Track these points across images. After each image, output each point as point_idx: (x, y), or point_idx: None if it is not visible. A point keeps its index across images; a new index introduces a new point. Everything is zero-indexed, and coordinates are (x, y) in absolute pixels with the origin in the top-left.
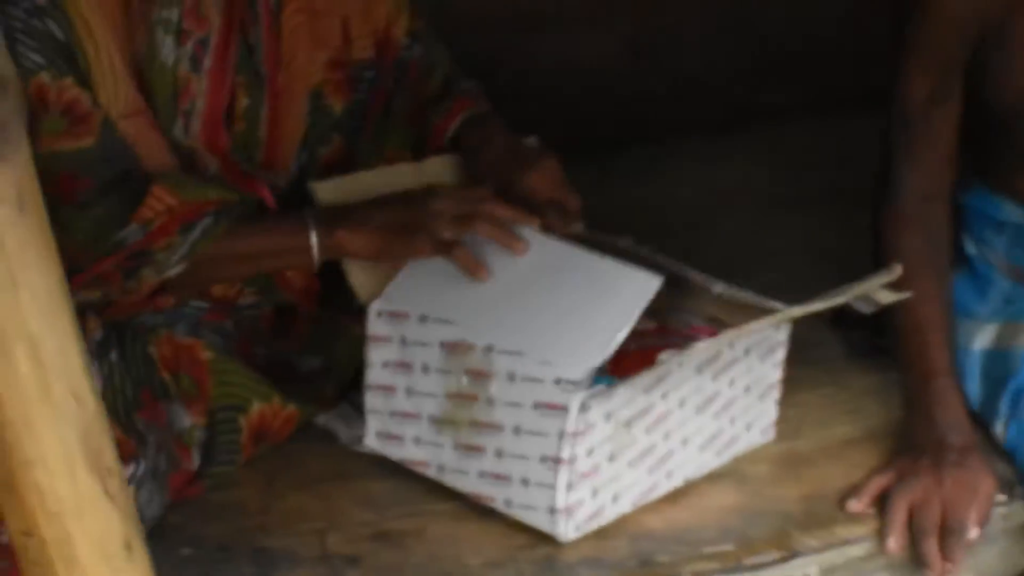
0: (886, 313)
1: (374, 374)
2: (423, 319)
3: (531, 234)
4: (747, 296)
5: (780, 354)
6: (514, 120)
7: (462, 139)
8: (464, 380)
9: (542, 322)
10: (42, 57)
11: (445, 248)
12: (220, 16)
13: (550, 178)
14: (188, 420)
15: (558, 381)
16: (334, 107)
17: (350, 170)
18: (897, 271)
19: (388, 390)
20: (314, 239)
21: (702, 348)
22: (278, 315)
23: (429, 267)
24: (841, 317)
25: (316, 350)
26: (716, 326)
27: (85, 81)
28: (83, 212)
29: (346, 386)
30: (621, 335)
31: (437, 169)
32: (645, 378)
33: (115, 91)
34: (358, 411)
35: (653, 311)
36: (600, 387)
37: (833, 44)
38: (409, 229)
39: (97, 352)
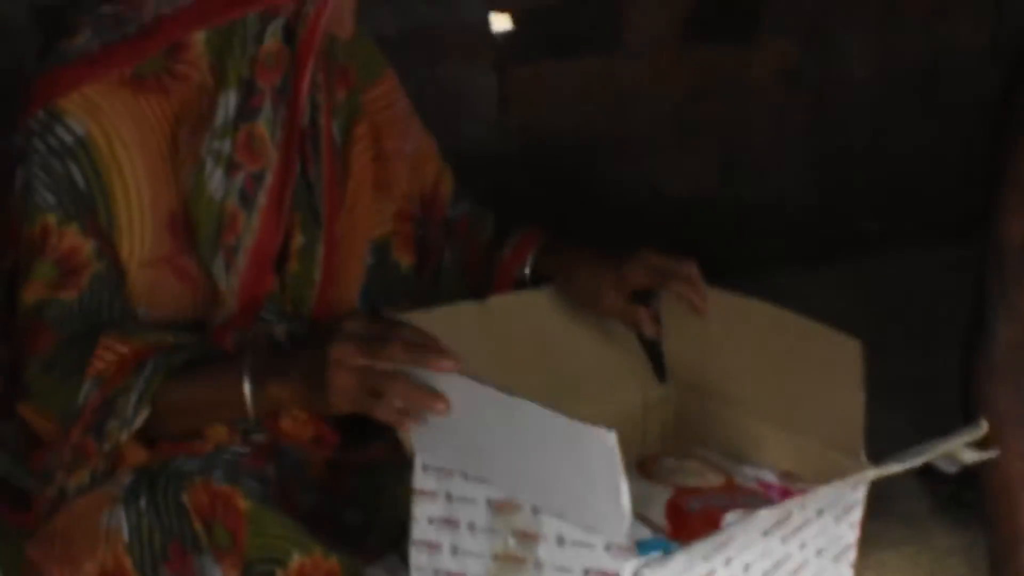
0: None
1: (419, 530)
2: (466, 476)
3: (456, 381)
4: (822, 449)
5: (856, 514)
6: (595, 246)
7: (546, 273)
8: (511, 541)
9: (564, 482)
10: (54, 197)
11: (370, 403)
12: (277, 152)
13: (652, 263)
14: (219, 574)
15: (608, 547)
16: (401, 263)
17: None
18: (983, 428)
19: (433, 547)
20: (247, 392)
21: (770, 513)
22: (327, 463)
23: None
24: (927, 467)
25: (362, 501)
26: (789, 482)
27: (99, 229)
28: (47, 370)
29: (393, 539)
30: (625, 503)
31: (505, 308)
32: (706, 544)
33: (141, 236)
34: (405, 563)
35: (719, 465)
36: (656, 554)
37: (928, 172)
38: (326, 376)
39: (125, 499)
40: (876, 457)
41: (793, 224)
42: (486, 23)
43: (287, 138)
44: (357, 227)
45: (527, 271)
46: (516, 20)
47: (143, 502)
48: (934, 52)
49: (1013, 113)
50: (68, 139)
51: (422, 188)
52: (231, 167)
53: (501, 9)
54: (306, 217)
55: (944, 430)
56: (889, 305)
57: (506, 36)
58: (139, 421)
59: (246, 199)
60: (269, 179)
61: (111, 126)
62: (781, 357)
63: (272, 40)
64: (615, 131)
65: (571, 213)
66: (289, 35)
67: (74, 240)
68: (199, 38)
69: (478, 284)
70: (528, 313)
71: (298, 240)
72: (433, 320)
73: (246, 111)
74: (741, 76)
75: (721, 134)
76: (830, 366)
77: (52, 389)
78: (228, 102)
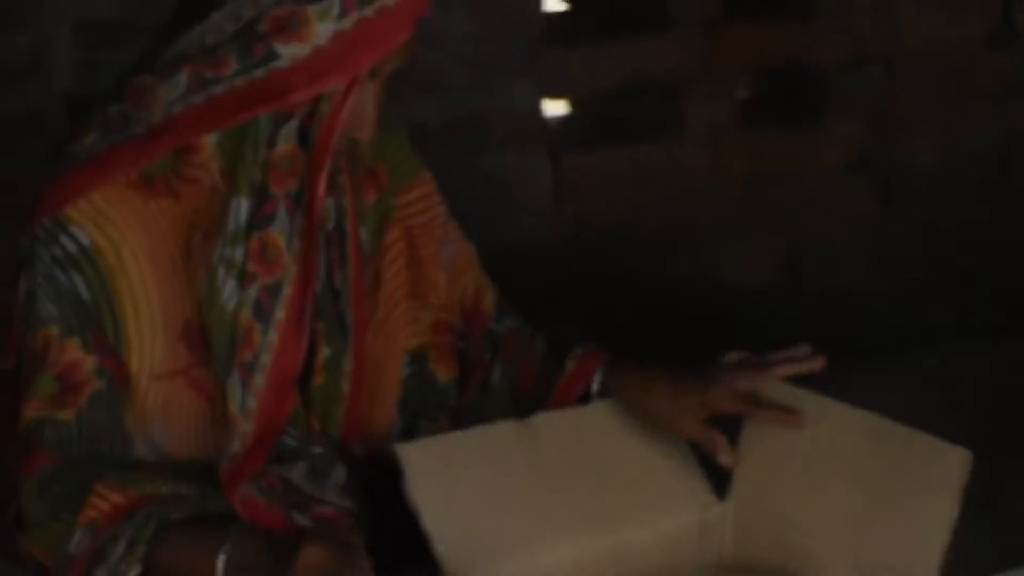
0: None
1: None
2: None
3: None
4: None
5: None
6: (651, 341)
7: (613, 388)
8: None
9: None
10: (56, 309)
11: None
12: (296, 263)
13: (741, 390)
14: None
15: None
16: (438, 375)
17: None
18: None
19: None
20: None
21: None
22: None
23: None
24: None
25: None
26: None
27: (104, 343)
28: (42, 494)
29: None
30: None
31: (549, 426)
32: None
33: (152, 349)
34: None
35: None
36: None
37: (1004, 259)
38: None
39: None
40: None
41: (861, 316)
42: (538, 110)
43: (306, 248)
44: (391, 338)
45: (594, 387)
46: (569, 106)
47: None
48: (1004, 135)
49: None
50: (72, 248)
51: (462, 298)
52: (244, 278)
53: (554, 95)
54: (332, 327)
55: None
56: (963, 403)
57: (559, 123)
58: (131, 574)
59: (261, 313)
60: (288, 291)
61: (118, 234)
62: (869, 469)
63: (285, 144)
64: (673, 221)
65: (626, 306)
66: (305, 138)
67: (75, 355)
68: (209, 140)
69: (530, 402)
70: (575, 431)
71: (324, 352)
72: (471, 440)
73: (259, 219)
74: (805, 163)
75: (784, 223)
76: (926, 480)
77: (46, 523)
78: (240, 209)
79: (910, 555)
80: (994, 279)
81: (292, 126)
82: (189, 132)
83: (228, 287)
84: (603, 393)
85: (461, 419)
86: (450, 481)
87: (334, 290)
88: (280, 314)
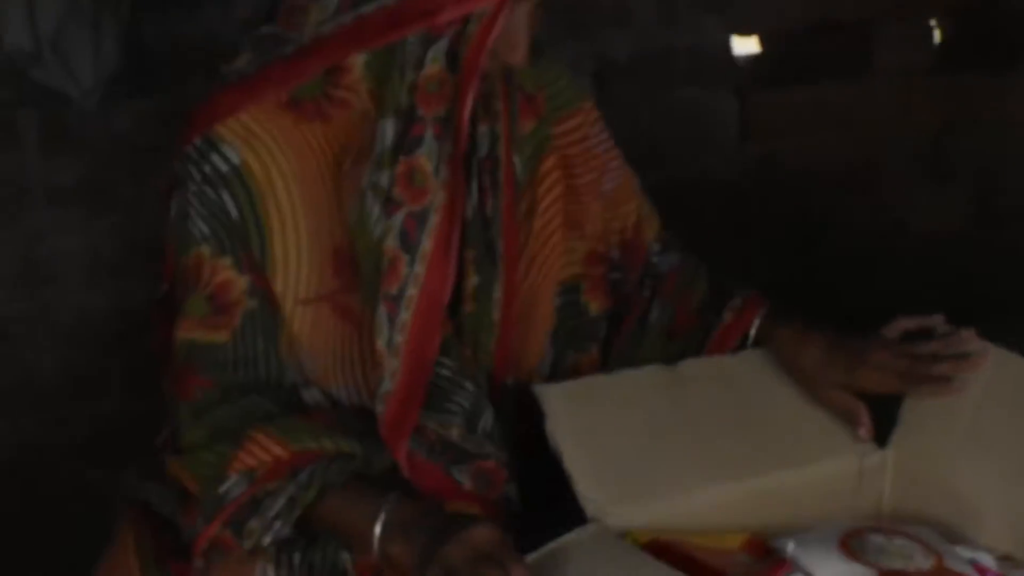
0: None
1: None
2: None
3: None
4: None
5: None
6: (834, 288)
7: (766, 340)
8: None
9: None
10: (208, 228)
11: None
12: (444, 190)
13: (895, 369)
14: None
15: None
16: (590, 307)
17: None
18: None
19: None
20: (376, 543)
21: None
22: None
23: None
24: None
25: None
26: (1007, 567)
27: (253, 263)
28: (196, 419)
29: None
30: None
31: (697, 371)
32: None
33: (298, 272)
34: None
35: (930, 544)
36: None
37: None
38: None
39: (277, 556)
40: None
41: None
42: (727, 47)
43: (453, 175)
44: (545, 268)
45: (751, 336)
46: (759, 44)
47: (297, 559)
48: None
49: None
50: (223, 167)
51: (622, 229)
52: (390, 204)
53: (743, 32)
54: (481, 256)
55: None
56: None
57: (748, 61)
58: (284, 531)
59: (407, 242)
60: (434, 219)
61: (268, 155)
62: None
63: (433, 65)
64: (861, 164)
65: (811, 250)
66: (454, 61)
67: (227, 274)
68: (358, 61)
69: (686, 346)
70: (724, 378)
71: (472, 280)
72: (615, 384)
73: (407, 142)
74: (998, 109)
75: (975, 170)
76: None
77: (199, 451)
78: (386, 131)
79: None
80: None
81: (441, 47)
82: (338, 51)
83: (375, 213)
84: (757, 343)
85: (615, 353)
86: (593, 423)
87: (485, 218)
88: (427, 244)
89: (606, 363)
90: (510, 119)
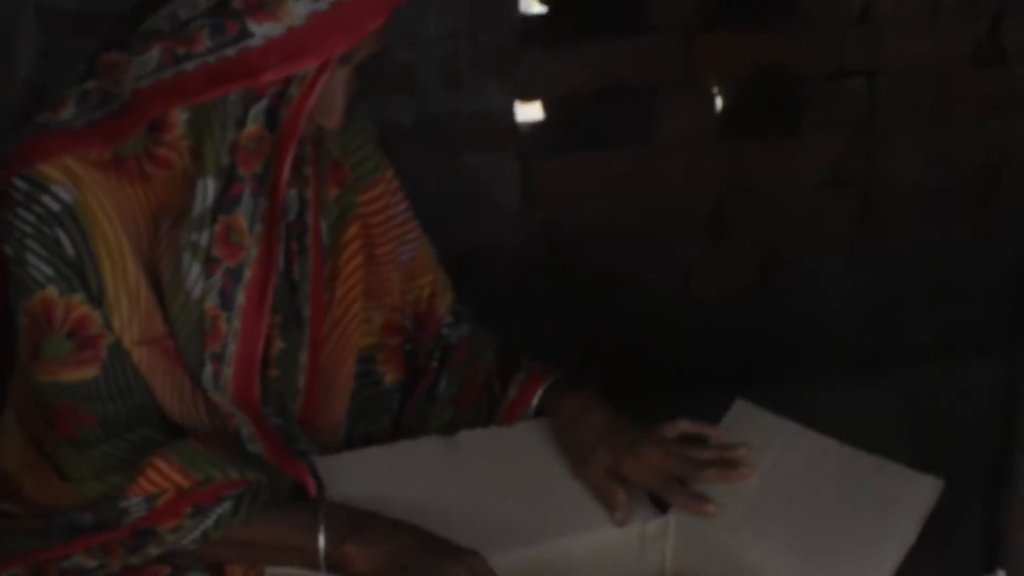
0: None
1: None
2: None
3: None
4: None
5: None
6: (623, 349)
7: (549, 411)
8: None
9: None
10: (51, 268)
11: None
12: (257, 245)
13: (660, 466)
14: None
15: None
16: (386, 377)
17: None
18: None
19: None
20: (322, 544)
21: None
22: None
23: None
24: None
25: None
26: None
27: (96, 300)
28: (81, 453)
29: None
30: None
31: (475, 441)
32: None
33: (131, 314)
34: None
35: None
36: None
37: (981, 278)
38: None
39: None
40: None
41: (835, 331)
42: (510, 112)
43: (267, 231)
44: (346, 336)
45: (531, 410)
46: (543, 110)
47: None
48: (987, 153)
49: None
50: (55, 207)
51: (417, 299)
52: (209, 262)
53: (527, 98)
54: (288, 321)
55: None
56: (933, 423)
57: (532, 127)
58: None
59: (225, 299)
60: (247, 275)
61: (95, 198)
62: (830, 494)
63: (253, 124)
64: (645, 228)
65: (596, 314)
66: (272, 120)
67: (82, 310)
68: (180, 118)
69: (474, 417)
70: (504, 448)
71: (278, 345)
72: (395, 455)
73: (226, 201)
74: (782, 174)
75: (759, 234)
76: (892, 503)
77: (86, 482)
78: (207, 190)
79: (856, 573)
80: (971, 299)
81: (261, 106)
82: (159, 105)
83: (193, 273)
84: (540, 414)
85: (405, 423)
86: (372, 495)
87: (291, 282)
88: (241, 299)
89: (396, 434)
90: (319, 185)
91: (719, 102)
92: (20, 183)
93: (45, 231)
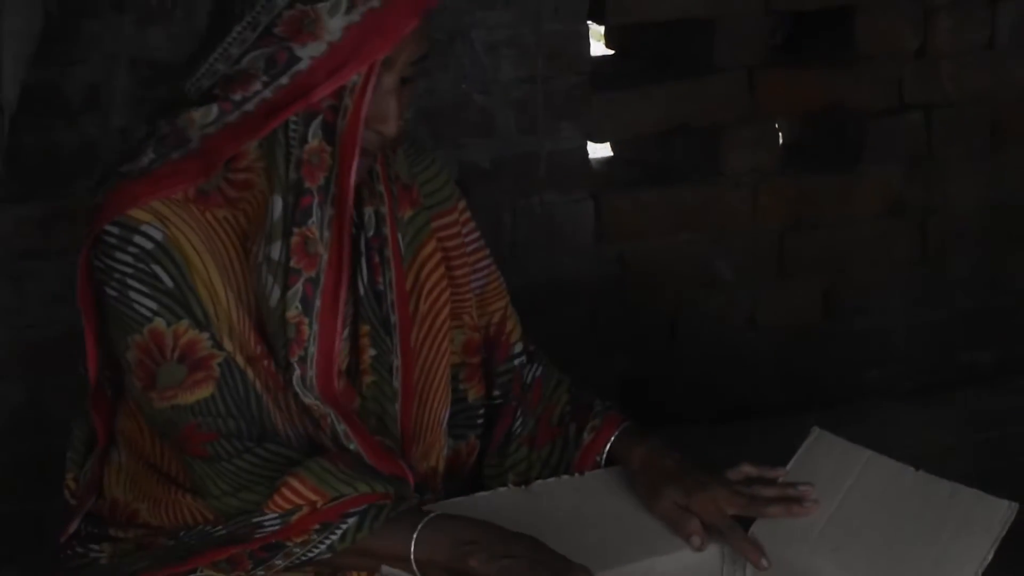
0: None
1: None
2: None
3: None
4: None
5: None
6: (693, 379)
7: (620, 457)
8: None
9: None
10: (154, 303)
11: None
12: (327, 251)
13: (727, 503)
14: None
15: None
16: (468, 393)
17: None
18: None
19: None
20: (412, 551)
21: None
22: None
23: None
24: None
25: None
26: None
27: (202, 324)
28: (214, 469)
29: None
30: None
31: (549, 489)
32: None
33: (232, 336)
34: None
35: None
36: None
37: None
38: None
39: None
40: None
41: (899, 356)
42: (584, 152)
43: (336, 237)
44: (436, 349)
45: (603, 456)
46: (614, 149)
47: None
48: None
49: None
50: (148, 245)
51: (487, 325)
52: (290, 274)
53: (599, 139)
54: (376, 329)
55: None
56: (997, 441)
57: (603, 165)
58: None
59: (307, 305)
60: (323, 280)
61: (181, 234)
62: (907, 515)
63: (314, 140)
64: (713, 261)
65: (667, 344)
66: (329, 131)
67: (191, 335)
68: (250, 145)
69: (548, 456)
70: (578, 492)
71: (369, 352)
72: (478, 503)
73: (298, 215)
74: (843, 206)
75: (823, 265)
76: (967, 526)
77: (224, 499)
78: (276, 206)
79: None
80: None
81: (318, 122)
82: (230, 146)
83: (270, 283)
84: (610, 459)
85: (486, 459)
86: None
87: (376, 293)
88: (318, 303)
89: (480, 460)
90: (392, 201)
91: (782, 138)
92: (112, 228)
93: (143, 268)
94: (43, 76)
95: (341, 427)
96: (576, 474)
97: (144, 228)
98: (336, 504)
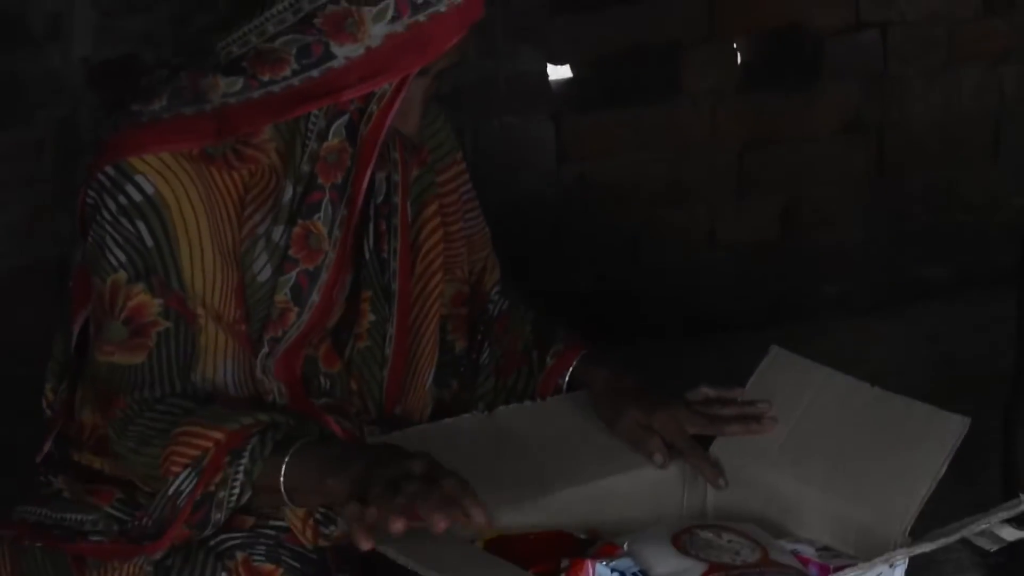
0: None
1: None
2: None
3: None
4: (865, 522)
5: None
6: (655, 296)
7: (582, 380)
8: None
9: None
10: (124, 255)
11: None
12: (334, 250)
13: (698, 413)
14: None
15: None
16: (456, 344)
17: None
18: (1022, 504)
19: None
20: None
21: None
22: None
23: None
24: None
25: None
26: (827, 557)
27: (166, 287)
28: (123, 433)
29: None
30: None
31: (513, 415)
32: None
33: (211, 297)
34: None
35: (756, 538)
36: None
37: (995, 215)
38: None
39: (154, 574)
40: (916, 526)
41: (856, 271)
42: (543, 74)
43: (344, 235)
44: (427, 307)
45: (566, 380)
46: (573, 70)
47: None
48: (999, 95)
49: None
50: (138, 197)
51: (471, 274)
52: (286, 262)
53: (558, 60)
54: (377, 295)
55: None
56: (953, 355)
57: (563, 86)
58: (241, 503)
59: (299, 296)
60: (324, 277)
61: (180, 187)
62: (863, 431)
63: (335, 138)
64: (673, 180)
65: (628, 262)
66: (352, 132)
67: (141, 298)
68: (267, 126)
69: (515, 384)
70: (542, 417)
71: (368, 318)
72: (445, 431)
73: (305, 206)
74: (801, 124)
75: (781, 182)
76: (921, 441)
77: (129, 457)
78: (287, 192)
79: (886, 505)
80: (986, 235)
81: (343, 121)
82: (247, 122)
83: (261, 261)
84: (572, 384)
85: (455, 399)
86: None
87: (380, 260)
88: (315, 297)
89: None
90: (406, 169)
91: (740, 57)
92: (109, 170)
93: (124, 220)
94: (5, 5)
95: (282, 401)
96: (539, 399)
97: (138, 178)
98: (238, 430)
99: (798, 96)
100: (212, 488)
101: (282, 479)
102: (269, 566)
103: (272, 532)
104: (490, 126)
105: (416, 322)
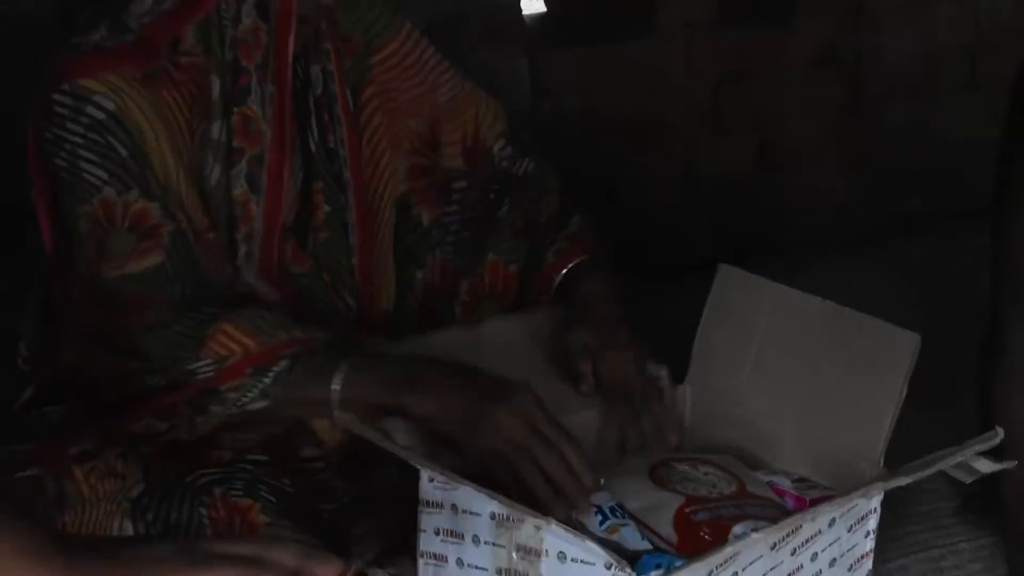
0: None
1: (425, 541)
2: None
3: None
4: (840, 454)
5: (872, 523)
6: (631, 232)
7: (568, 290)
8: (514, 556)
9: None
10: (104, 172)
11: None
12: (269, 128)
13: (624, 371)
14: None
15: (609, 566)
16: (423, 217)
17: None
18: (998, 437)
19: (439, 559)
20: (335, 390)
21: (778, 528)
22: (353, 468)
23: None
24: None
25: (377, 507)
26: (803, 489)
27: (153, 194)
28: (156, 334)
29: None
30: None
31: (498, 331)
32: (711, 559)
33: (181, 208)
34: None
35: (732, 470)
36: (658, 573)
37: (972, 151)
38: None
39: (132, 511)
40: (895, 458)
41: (832, 207)
42: (517, 8)
43: (278, 113)
44: (379, 191)
45: (554, 284)
46: (547, 5)
47: (150, 516)
48: (975, 28)
49: None
50: (100, 115)
51: (463, 138)
52: (232, 153)
53: None
54: (329, 185)
55: (966, 432)
56: (930, 290)
57: (537, 22)
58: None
59: (254, 184)
60: (267, 158)
61: (135, 105)
62: (821, 353)
63: (248, 19)
64: (649, 116)
65: (604, 198)
66: (264, 11)
67: (141, 203)
68: (188, 30)
69: (530, 250)
70: (523, 334)
71: (323, 209)
72: (426, 344)
73: (235, 93)
74: (777, 59)
75: (757, 117)
76: (877, 361)
77: (166, 348)
78: (214, 86)
79: (858, 433)
80: (963, 171)
81: (251, 2)
82: (167, 31)
83: (209, 162)
84: (560, 289)
85: (463, 250)
86: None
87: (328, 150)
88: (264, 180)
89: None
90: (339, 57)
91: None
92: (63, 98)
93: (95, 138)
94: None
95: (275, 296)
96: (536, 291)
97: (96, 99)
98: (269, 347)
99: (774, 31)
100: (223, 390)
101: (338, 389)
102: (247, 501)
103: (249, 467)
104: (464, 63)
105: (374, 205)
